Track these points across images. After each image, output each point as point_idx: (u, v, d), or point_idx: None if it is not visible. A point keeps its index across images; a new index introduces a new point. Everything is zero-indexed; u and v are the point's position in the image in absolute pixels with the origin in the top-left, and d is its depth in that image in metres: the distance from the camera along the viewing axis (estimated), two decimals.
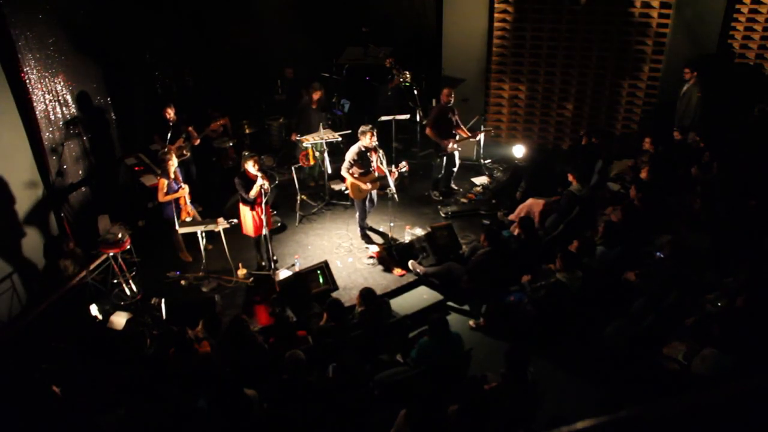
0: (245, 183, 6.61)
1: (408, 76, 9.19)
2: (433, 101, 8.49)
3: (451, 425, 4.14)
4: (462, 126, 8.52)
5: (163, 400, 4.50)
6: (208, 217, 7.21)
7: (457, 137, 8.45)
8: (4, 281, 6.30)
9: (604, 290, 6.17)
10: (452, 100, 8.28)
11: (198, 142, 8.13)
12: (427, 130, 8.47)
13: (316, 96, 8.72)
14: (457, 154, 8.61)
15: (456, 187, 8.95)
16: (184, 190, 6.99)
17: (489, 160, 9.73)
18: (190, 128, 8.08)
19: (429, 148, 9.28)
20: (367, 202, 7.61)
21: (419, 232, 7.72)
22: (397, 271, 7.12)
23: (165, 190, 6.81)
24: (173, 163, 6.86)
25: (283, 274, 6.91)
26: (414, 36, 10.69)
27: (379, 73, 10.26)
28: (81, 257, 6.94)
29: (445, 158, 8.55)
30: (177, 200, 6.96)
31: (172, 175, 6.88)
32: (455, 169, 8.79)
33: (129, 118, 8.66)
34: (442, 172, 8.71)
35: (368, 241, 7.72)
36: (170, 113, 7.73)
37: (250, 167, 6.56)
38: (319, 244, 7.73)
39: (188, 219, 7.06)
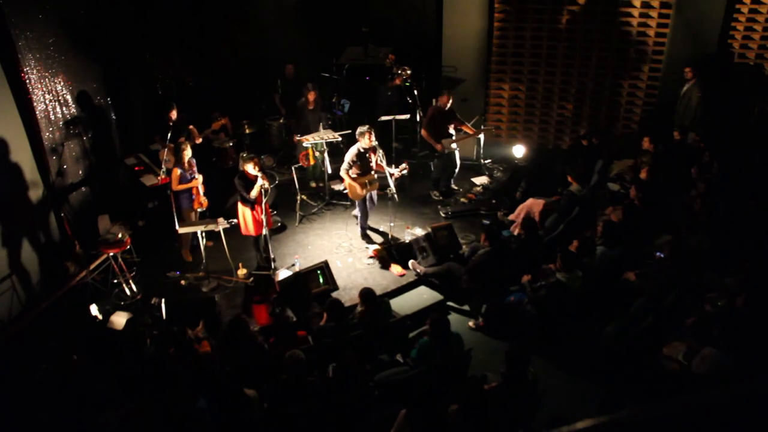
0: (245, 183, 6.63)
1: (408, 72, 9.21)
2: (434, 101, 8.51)
3: (451, 425, 4.14)
4: (465, 123, 8.52)
5: (163, 400, 4.50)
6: (208, 217, 7.23)
7: (454, 136, 8.46)
8: (4, 281, 6.30)
9: (604, 290, 6.17)
10: (449, 104, 8.29)
11: (200, 140, 8.17)
12: (423, 132, 8.50)
13: (311, 97, 8.74)
14: (457, 153, 8.61)
15: (456, 187, 8.95)
16: (198, 180, 7.06)
17: (489, 160, 9.73)
18: (191, 127, 8.10)
19: (428, 149, 9.29)
20: (367, 202, 7.61)
21: (419, 232, 7.73)
22: (398, 270, 7.12)
23: (178, 179, 6.90)
24: (188, 153, 6.94)
25: (283, 274, 6.91)
26: (414, 36, 10.69)
27: (379, 73, 10.26)
28: (81, 257, 6.95)
29: (442, 159, 8.56)
30: (190, 190, 7.04)
31: (186, 165, 6.96)
32: (457, 169, 8.80)
33: (129, 118, 8.66)
34: (441, 173, 8.72)
35: (368, 241, 7.73)
36: (173, 114, 7.76)
37: (250, 169, 6.58)
38: (319, 244, 7.73)
39: (200, 209, 7.20)
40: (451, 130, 8.45)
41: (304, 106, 8.82)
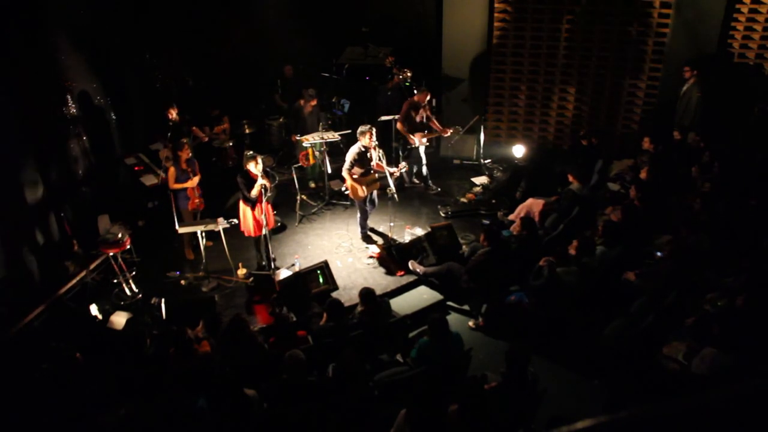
0: (247, 182, 6.65)
1: (408, 74, 9.20)
2: (434, 101, 8.51)
3: (451, 425, 4.14)
4: (434, 120, 8.58)
5: (163, 400, 4.50)
6: (208, 217, 7.23)
7: (426, 131, 8.51)
8: (4, 281, 6.29)
9: (604, 290, 6.17)
10: (425, 101, 8.37)
11: (207, 139, 8.19)
12: (398, 125, 8.54)
13: (312, 102, 8.78)
14: (422, 149, 8.65)
15: (417, 181, 8.97)
16: (194, 181, 7.08)
17: (489, 160, 9.72)
18: (194, 128, 8.11)
19: (429, 149, 9.28)
20: (368, 203, 7.61)
21: (419, 232, 7.72)
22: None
23: (174, 177, 6.96)
24: (185, 153, 6.97)
25: (283, 274, 6.91)
26: (414, 36, 10.69)
27: (379, 73, 10.26)
28: (81, 257, 6.95)
29: (412, 153, 8.66)
30: (186, 190, 7.07)
31: (183, 165, 6.98)
32: (423, 167, 8.83)
33: (129, 118, 8.67)
34: (423, 164, 8.76)
35: (368, 241, 7.72)
36: (172, 113, 7.77)
37: (252, 168, 6.61)
38: (319, 244, 7.73)
39: (197, 210, 7.22)
40: (418, 118, 8.47)
41: (302, 109, 8.83)
